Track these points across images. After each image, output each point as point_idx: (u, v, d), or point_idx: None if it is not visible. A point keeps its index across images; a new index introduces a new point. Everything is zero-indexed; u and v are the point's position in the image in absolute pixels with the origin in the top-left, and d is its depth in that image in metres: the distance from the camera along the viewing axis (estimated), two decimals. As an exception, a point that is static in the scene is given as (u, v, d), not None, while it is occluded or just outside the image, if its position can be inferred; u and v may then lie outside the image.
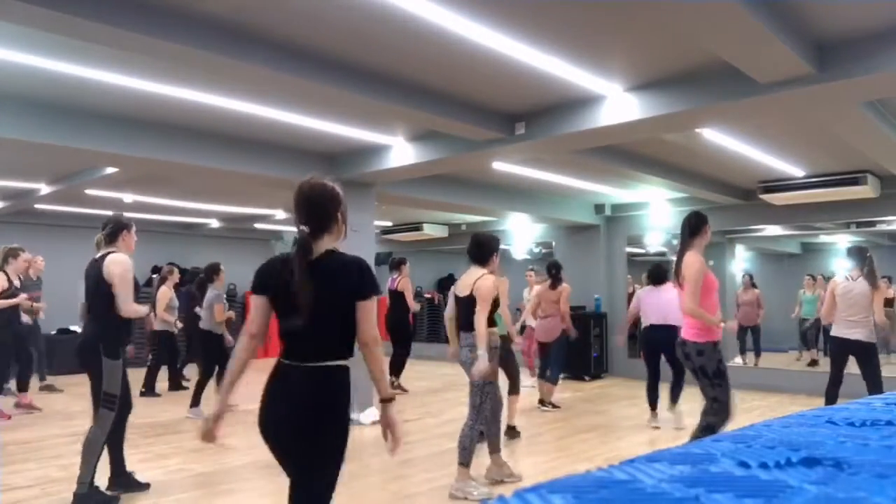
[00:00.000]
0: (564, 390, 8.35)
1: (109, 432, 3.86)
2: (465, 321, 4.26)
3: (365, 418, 6.21)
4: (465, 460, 4.12)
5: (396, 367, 8.12)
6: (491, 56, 3.92)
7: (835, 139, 5.82)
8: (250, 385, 2.47)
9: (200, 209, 10.25)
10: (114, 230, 3.97)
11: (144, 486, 4.20)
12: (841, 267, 5.65)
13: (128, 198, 8.80)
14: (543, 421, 6.59)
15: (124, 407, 3.95)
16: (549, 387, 7.07)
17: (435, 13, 3.35)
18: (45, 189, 8.01)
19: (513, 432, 5.68)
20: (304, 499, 2.25)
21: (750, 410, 7.05)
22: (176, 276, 7.97)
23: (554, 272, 7.07)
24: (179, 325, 7.83)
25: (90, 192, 8.06)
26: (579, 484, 1.09)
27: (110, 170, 6.56)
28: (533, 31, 3.65)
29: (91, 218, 10.42)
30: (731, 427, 3.38)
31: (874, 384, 5.33)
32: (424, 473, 4.54)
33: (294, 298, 2.14)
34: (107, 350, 3.75)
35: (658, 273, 6.48)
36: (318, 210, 2.29)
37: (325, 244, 2.26)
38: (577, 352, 9.80)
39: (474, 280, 4.21)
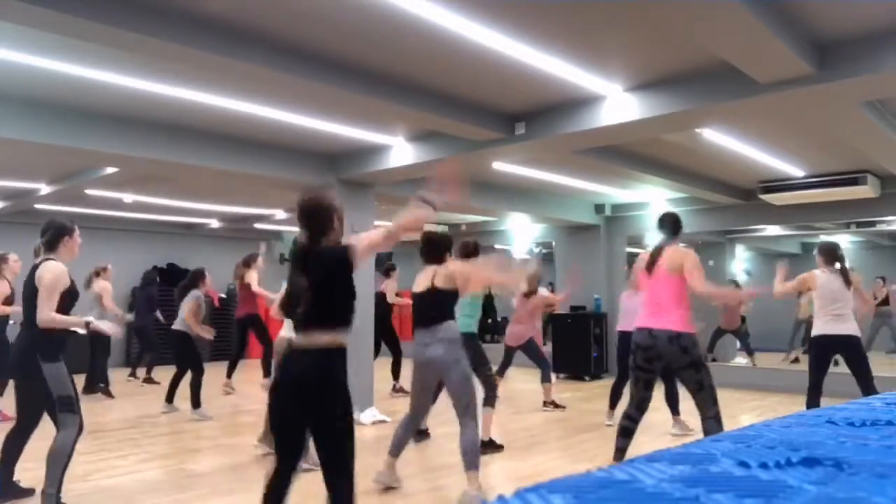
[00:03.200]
0: (564, 390, 8.35)
1: (25, 435, 3.77)
2: (429, 316, 3.97)
3: (365, 418, 6.21)
4: (477, 464, 3.82)
5: (395, 370, 8.12)
6: (491, 56, 3.92)
7: (835, 139, 5.82)
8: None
9: (200, 209, 10.25)
10: (53, 237, 3.71)
11: (29, 492, 3.92)
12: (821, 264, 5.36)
13: (128, 198, 8.80)
14: (543, 421, 6.59)
15: (39, 414, 3.69)
16: (547, 386, 7.08)
17: (435, 13, 3.35)
18: (45, 189, 8.01)
19: (492, 446, 5.16)
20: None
21: (750, 410, 7.06)
22: (110, 273, 8.05)
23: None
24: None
25: (90, 192, 8.06)
26: (579, 484, 1.09)
27: (110, 170, 6.56)
28: (533, 31, 3.65)
29: (91, 218, 10.43)
30: (730, 427, 3.41)
31: (867, 382, 5.06)
32: (424, 473, 4.54)
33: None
34: (44, 355, 3.57)
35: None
36: (316, 219, 2.66)
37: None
38: (578, 352, 9.83)
39: (442, 272, 4.00)
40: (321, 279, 2.58)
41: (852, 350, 5.18)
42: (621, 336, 6.27)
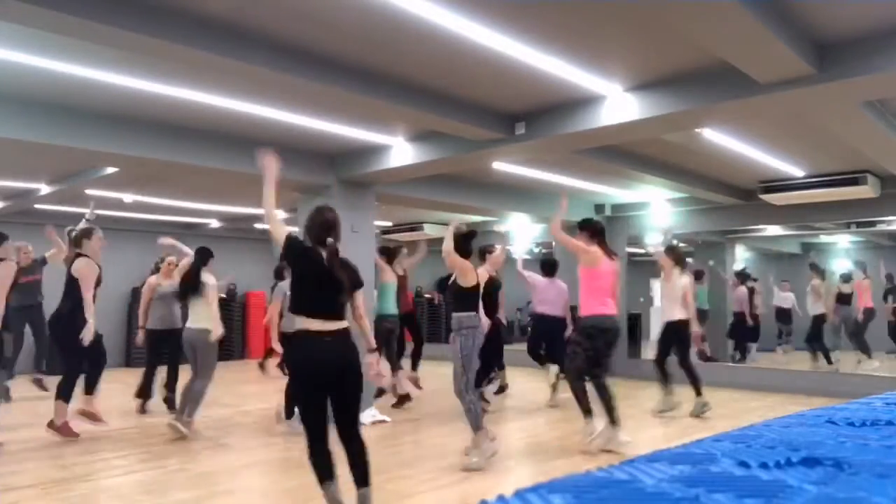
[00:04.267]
0: (565, 390, 8.32)
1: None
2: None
3: (365, 418, 6.20)
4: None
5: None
6: (491, 56, 3.92)
7: (835, 139, 5.82)
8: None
9: (200, 209, 10.24)
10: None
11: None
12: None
13: (128, 198, 8.80)
14: (544, 421, 6.58)
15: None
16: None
17: (435, 13, 3.35)
18: (45, 189, 8.01)
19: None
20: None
21: (750, 410, 7.05)
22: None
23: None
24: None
25: (90, 192, 8.05)
26: (579, 484, 1.09)
27: (110, 170, 6.56)
28: (533, 31, 3.65)
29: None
30: (730, 427, 3.40)
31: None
32: (424, 473, 4.54)
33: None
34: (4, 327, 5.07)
35: (551, 265, 7.49)
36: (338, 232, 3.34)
37: None
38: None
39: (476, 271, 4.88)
40: (350, 282, 3.29)
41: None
42: (542, 319, 7.35)
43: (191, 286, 5.67)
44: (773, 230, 10.75)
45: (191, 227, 12.04)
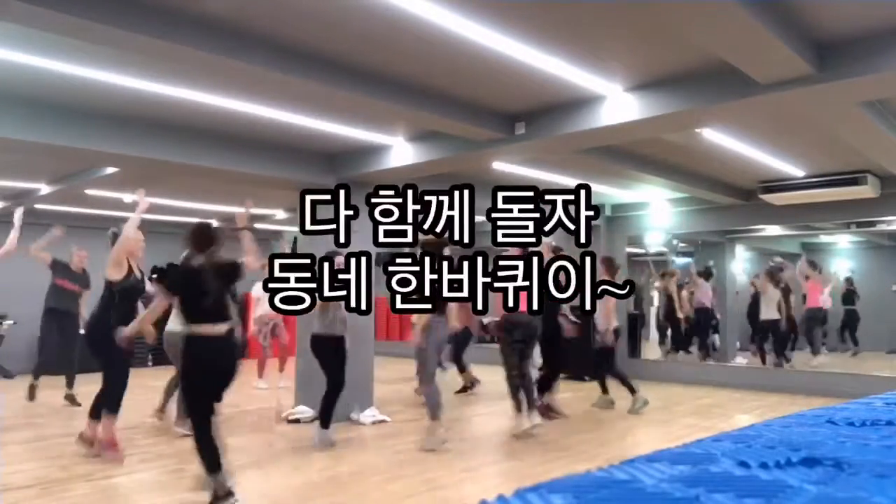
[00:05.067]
0: (564, 390, 8.33)
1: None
2: None
3: (365, 418, 6.21)
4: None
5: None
6: (491, 56, 3.92)
7: (835, 139, 5.82)
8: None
9: (200, 209, 10.24)
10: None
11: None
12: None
13: (128, 198, 8.80)
14: (543, 421, 6.58)
15: None
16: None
17: (435, 13, 3.35)
18: (45, 189, 8.01)
19: None
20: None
21: (750, 410, 7.06)
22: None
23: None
24: None
25: (90, 192, 8.06)
26: (579, 484, 1.09)
27: (110, 170, 6.56)
28: (533, 31, 3.65)
29: (91, 218, 10.42)
30: (730, 427, 3.40)
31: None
32: (425, 473, 4.54)
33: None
34: None
35: None
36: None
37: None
38: (578, 352, 9.80)
39: None
40: (226, 281, 3.72)
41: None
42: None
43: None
44: (773, 230, 10.75)
45: (191, 227, 12.04)
